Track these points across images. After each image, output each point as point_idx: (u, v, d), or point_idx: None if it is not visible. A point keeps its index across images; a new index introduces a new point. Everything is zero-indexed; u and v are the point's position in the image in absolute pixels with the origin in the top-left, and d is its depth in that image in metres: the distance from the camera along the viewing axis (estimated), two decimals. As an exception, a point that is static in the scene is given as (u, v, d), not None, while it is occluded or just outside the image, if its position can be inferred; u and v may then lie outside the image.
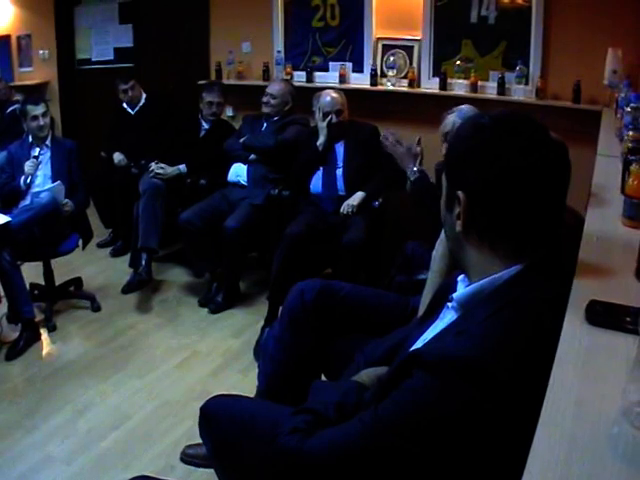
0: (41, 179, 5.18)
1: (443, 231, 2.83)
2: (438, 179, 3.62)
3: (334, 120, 5.23)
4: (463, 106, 3.97)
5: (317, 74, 6.54)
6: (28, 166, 5.09)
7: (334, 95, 5.30)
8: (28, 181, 5.08)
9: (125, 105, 6.71)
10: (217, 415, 2.31)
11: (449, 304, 1.75)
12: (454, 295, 1.70)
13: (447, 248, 2.72)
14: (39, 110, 5.15)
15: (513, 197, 1.55)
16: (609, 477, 1.13)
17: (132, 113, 6.72)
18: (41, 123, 5.16)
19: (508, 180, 1.54)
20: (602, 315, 1.63)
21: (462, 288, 1.72)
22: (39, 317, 4.97)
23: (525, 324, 1.50)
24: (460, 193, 1.60)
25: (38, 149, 5.18)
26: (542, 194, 1.57)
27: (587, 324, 1.62)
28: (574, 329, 1.58)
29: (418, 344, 1.76)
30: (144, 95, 6.74)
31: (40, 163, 5.15)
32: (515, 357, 1.44)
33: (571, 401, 1.32)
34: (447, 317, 1.75)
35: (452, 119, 3.83)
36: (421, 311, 2.59)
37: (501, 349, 1.44)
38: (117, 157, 6.49)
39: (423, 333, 1.82)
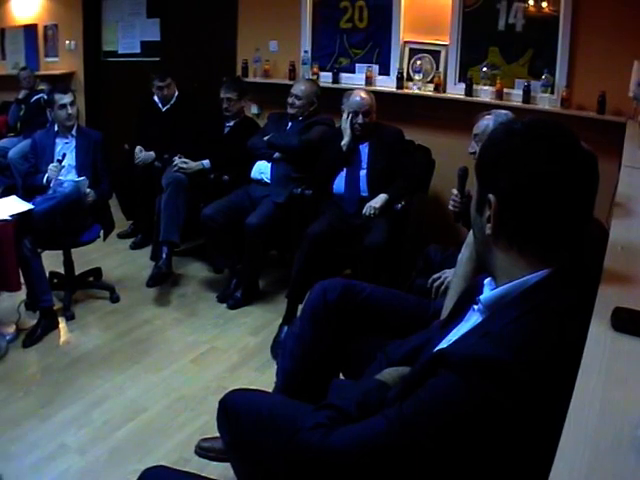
0: (65, 169, 5.18)
1: (469, 235, 2.88)
2: (461, 185, 3.60)
3: (360, 120, 5.22)
4: (501, 111, 3.92)
5: (343, 75, 6.57)
6: (50, 170, 5.10)
7: (364, 95, 5.29)
8: (52, 184, 5.09)
9: (157, 100, 6.68)
10: (236, 408, 2.32)
11: (475, 306, 1.76)
12: (480, 297, 1.71)
13: (473, 252, 2.73)
14: (67, 99, 5.17)
15: (542, 203, 1.56)
16: (632, 478, 1.15)
17: (162, 110, 6.68)
18: (69, 111, 5.18)
19: (537, 186, 1.55)
20: (627, 322, 1.65)
21: (488, 291, 1.73)
22: (58, 306, 4.99)
23: (547, 330, 1.51)
24: (491, 196, 1.61)
25: (64, 153, 5.16)
26: (570, 201, 1.58)
27: (612, 330, 1.64)
28: (599, 335, 1.59)
29: (442, 345, 1.76)
30: (176, 93, 6.70)
31: (63, 168, 5.14)
32: (536, 361, 1.45)
33: (596, 405, 1.34)
34: (472, 319, 1.75)
35: (486, 122, 3.79)
36: (444, 314, 2.59)
37: (524, 352, 1.45)
38: (140, 150, 6.48)
39: (447, 335, 1.83)
